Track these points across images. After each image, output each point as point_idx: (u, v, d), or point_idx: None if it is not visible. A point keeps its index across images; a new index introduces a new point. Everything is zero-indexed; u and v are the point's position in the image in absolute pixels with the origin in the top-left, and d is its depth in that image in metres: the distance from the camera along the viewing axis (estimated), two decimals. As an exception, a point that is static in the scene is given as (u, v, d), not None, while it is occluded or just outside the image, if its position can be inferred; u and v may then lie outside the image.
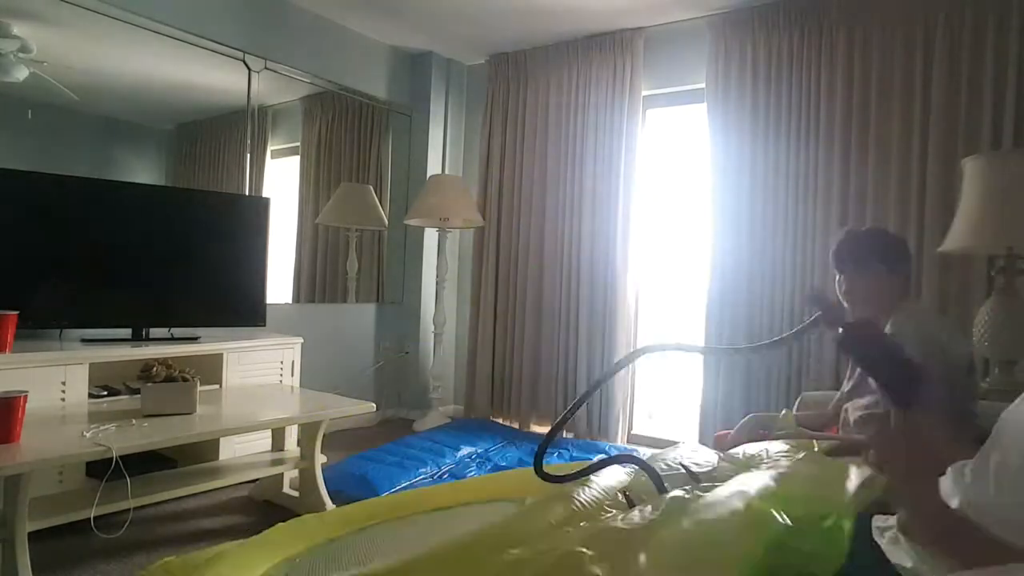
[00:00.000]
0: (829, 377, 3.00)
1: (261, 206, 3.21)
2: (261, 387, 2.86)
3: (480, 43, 4.14)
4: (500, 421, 4.10)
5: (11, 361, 2.20)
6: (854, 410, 1.82)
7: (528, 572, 0.91)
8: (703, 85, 3.48)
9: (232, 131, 3.47)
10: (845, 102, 3.08)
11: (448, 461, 3.10)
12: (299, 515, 1.59)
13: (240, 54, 3.40)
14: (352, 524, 1.47)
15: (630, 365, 3.83)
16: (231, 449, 2.73)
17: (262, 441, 2.78)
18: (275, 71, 3.57)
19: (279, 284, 3.64)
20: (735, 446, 1.57)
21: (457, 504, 1.60)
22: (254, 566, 1.27)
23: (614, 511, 1.18)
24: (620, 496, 1.31)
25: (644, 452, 2.81)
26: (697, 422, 3.46)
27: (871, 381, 1.23)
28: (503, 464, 3.17)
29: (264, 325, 3.12)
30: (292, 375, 3.10)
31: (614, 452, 3.30)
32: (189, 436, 2.03)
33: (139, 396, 2.17)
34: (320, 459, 2.56)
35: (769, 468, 1.36)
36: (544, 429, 3.99)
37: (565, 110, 3.95)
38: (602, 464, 1.39)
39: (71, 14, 2.78)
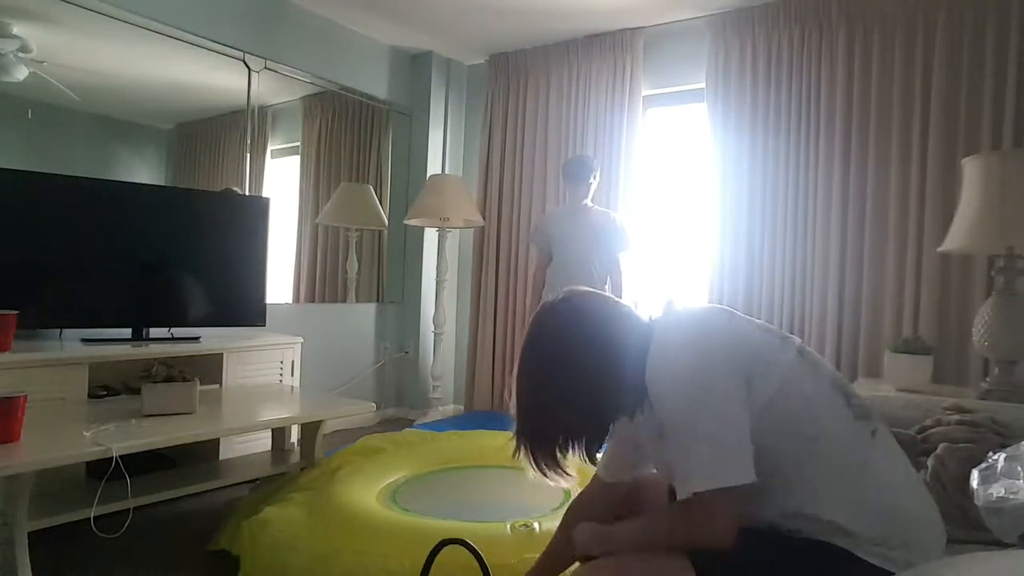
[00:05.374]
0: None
1: (261, 206, 3.20)
2: (261, 387, 2.86)
3: (480, 43, 4.14)
4: (500, 421, 4.10)
5: (11, 361, 2.20)
6: None
7: None
8: (703, 85, 3.48)
9: (232, 131, 3.47)
10: (845, 102, 3.08)
11: (448, 461, 3.10)
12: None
13: (240, 54, 3.40)
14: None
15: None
16: (231, 449, 2.72)
17: (262, 441, 2.78)
18: (275, 71, 3.57)
19: (279, 284, 3.64)
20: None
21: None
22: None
23: None
24: None
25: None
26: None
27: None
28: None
29: (264, 325, 3.11)
30: (292, 375, 3.10)
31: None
32: (189, 436, 2.02)
33: (139, 396, 2.17)
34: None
35: None
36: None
37: (565, 110, 3.94)
38: None
39: (71, 14, 2.78)
